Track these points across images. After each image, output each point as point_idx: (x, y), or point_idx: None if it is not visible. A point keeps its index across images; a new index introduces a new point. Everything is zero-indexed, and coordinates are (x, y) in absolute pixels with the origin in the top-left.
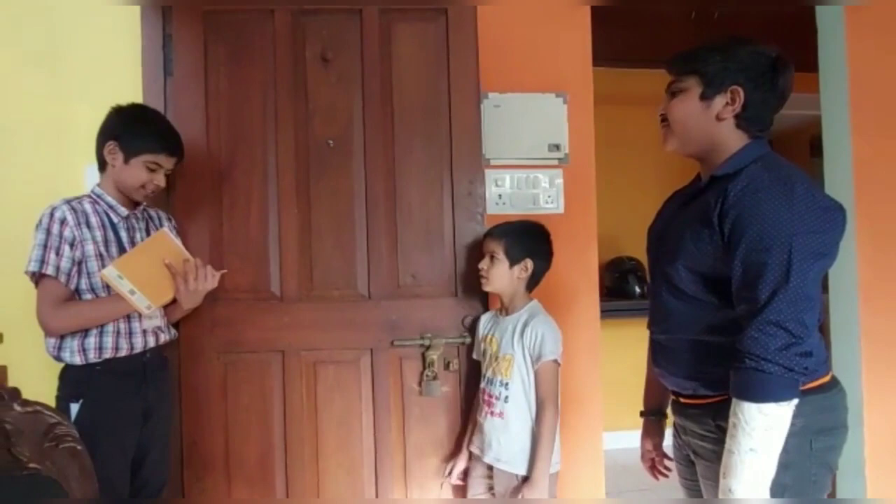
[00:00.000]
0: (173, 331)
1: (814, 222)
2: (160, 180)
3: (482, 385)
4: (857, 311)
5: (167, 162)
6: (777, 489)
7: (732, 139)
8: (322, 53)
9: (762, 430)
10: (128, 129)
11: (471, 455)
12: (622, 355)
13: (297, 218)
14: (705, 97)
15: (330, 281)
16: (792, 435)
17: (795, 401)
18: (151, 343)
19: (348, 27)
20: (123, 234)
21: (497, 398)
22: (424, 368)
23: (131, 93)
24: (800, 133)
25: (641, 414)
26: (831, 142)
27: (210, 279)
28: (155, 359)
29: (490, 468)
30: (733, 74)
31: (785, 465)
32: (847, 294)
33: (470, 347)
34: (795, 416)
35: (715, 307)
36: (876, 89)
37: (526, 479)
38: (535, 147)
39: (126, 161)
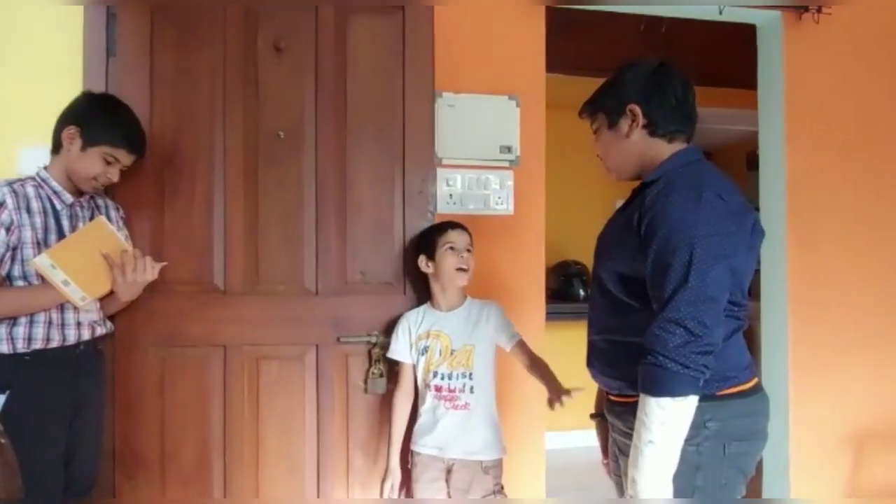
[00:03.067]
0: (110, 324)
1: (718, 225)
2: (114, 175)
3: (434, 382)
4: (786, 319)
5: (126, 158)
6: (688, 489)
7: (656, 149)
8: (275, 42)
9: (659, 423)
10: (93, 116)
11: (413, 460)
12: (565, 357)
13: (244, 209)
14: (611, 126)
15: (276, 275)
16: (706, 438)
17: (694, 398)
18: (86, 335)
19: (303, 17)
20: (65, 223)
21: (461, 391)
22: (370, 366)
23: (71, 73)
24: (738, 147)
25: (591, 416)
26: (767, 155)
27: (149, 271)
28: (89, 351)
29: (448, 468)
30: (626, 97)
31: (697, 466)
32: (776, 302)
33: None
34: (710, 419)
35: (637, 309)
36: (810, 105)
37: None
38: (487, 148)
39: (83, 149)
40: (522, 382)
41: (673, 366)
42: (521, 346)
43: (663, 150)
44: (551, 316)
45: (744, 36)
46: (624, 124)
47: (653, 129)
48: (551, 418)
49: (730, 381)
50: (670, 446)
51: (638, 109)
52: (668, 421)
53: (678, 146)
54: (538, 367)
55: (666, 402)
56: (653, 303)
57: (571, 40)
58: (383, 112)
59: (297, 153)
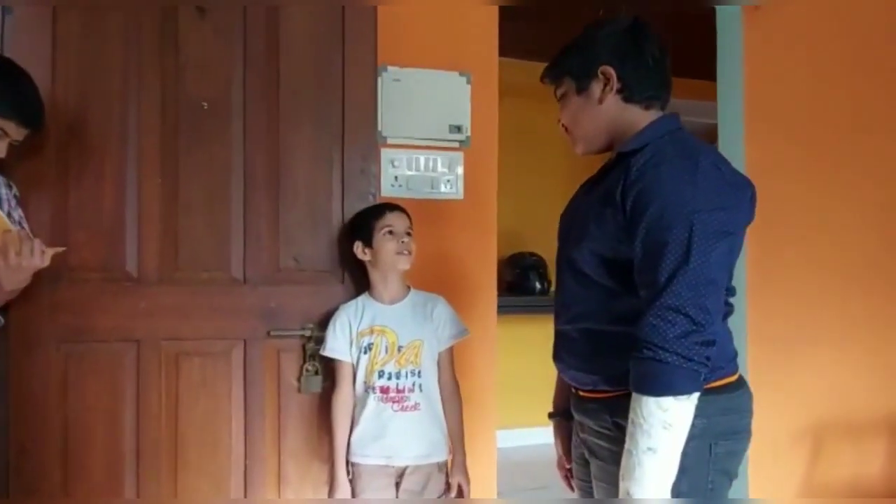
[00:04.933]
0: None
1: (718, 199)
2: (1, 150)
3: (380, 383)
4: (744, 312)
5: (17, 132)
6: (671, 495)
7: (632, 117)
8: (197, 1)
9: (660, 427)
10: None
11: (352, 472)
12: (520, 352)
13: (161, 188)
14: (581, 90)
15: (198, 261)
16: (692, 437)
17: (696, 395)
18: None
19: None
20: None
21: (410, 390)
22: (304, 362)
23: None
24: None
25: (550, 416)
26: (726, 147)
27: (38, 256)
28: None
29: (399, 473)
30: (598, 58)
31: (682, 469)
32: (735, 296)
33: None
34: (696, 416)
35: (618, 294)
36: (769, 97)
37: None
38: (436, 127)
39: None
40: (472, 378)
41: (675, 359)
42: (448, 355)
43: (639, 118)
44: (505, 310)
45: (706, 26)
46: (596, 88)
47: (628, 94)
48: (504, 416)
49: (717, 372)
50: (672, 453)
51: (612, 72)
52: (670, 424)
53: (654, 114)
54: (449, 404)
55: (667, 401)
56: (640, 287)
57: (527, 24)
58: (320, 84)
59: (224, 126)
